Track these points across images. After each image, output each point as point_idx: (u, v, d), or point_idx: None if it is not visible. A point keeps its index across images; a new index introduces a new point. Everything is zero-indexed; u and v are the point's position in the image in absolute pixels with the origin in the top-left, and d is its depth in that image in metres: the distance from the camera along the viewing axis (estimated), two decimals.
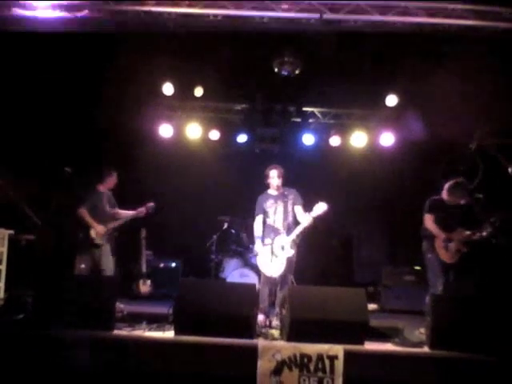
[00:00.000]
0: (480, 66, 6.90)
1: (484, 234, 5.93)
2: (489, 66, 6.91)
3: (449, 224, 6.11)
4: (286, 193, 6.51)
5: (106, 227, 6.89)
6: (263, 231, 6.58)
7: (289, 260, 6.31)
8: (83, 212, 6.84)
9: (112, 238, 7.02)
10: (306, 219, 6.26)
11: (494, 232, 5.89)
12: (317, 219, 6.24)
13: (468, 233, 6.03)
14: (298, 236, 6.34)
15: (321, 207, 6.18)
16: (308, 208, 6.41)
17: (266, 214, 6.60)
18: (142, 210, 7.19)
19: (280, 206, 6.49)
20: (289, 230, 6.36)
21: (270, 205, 6.58)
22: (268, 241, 6.41)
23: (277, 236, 6.38)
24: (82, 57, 7.61)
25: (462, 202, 6.21)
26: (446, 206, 6.24)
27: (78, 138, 8.60)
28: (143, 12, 6.36)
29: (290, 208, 6.47)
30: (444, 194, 6.35)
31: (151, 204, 7.24)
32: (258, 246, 6.51)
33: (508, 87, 7.07)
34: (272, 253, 6.26)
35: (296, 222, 6.46)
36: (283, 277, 6.29)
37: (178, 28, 6.56)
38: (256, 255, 6.56)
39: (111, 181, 7.15)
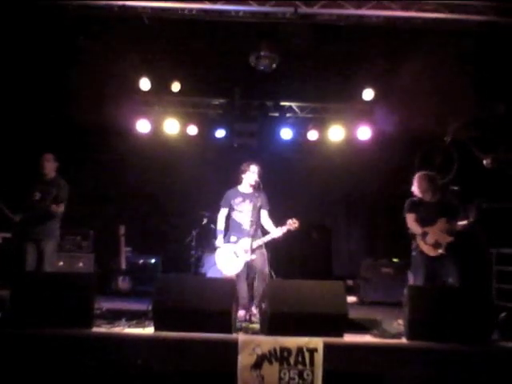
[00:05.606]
0: (455, 60, 6.97)
1: (471, 219, 5.86)
2: (463, 59, 6.98)
3: (430, 218, 6.04)
4: (256, 194, 6.51)
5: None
6: (229, 226, 6.59)
7: (261, 253, 6.34)
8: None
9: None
10: (277, 232, 6.33)
11: (480, 215, 5.85)
12: (286, 232, 6.34)
13: (460, 223, 5.93)
14: (264, 243, 6.38)
15: (294, 224, 6.28)
16: (279, 212, 6.61)
17: (232, 209, 6.58)
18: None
19: (248, 205, 6.49)
20: (254, 232, 6.32)
21: (238, 202, 6.57)
22: (233, 239, 6.44)
23: (243, 237, 6.36)
24: (57, 52, 7.52)
25: (431, 196, 6.16)
26: (424, 202, 6.16)
27: (54, 135, 8.49)
28: (117, 6, 6.31)
29: (257, 209, 6.46)
30: (413, 187, 6.25)
31: None
32: (219, 241, 6.52)
33: (481, 80, 7.16)
34: (234, 253, 6.33)
35: (260, 225, 6.52)
36: (261, 271, 6.30)
37: (152, 22, 6.53)
38: (216, 248, 6.54)
39: (40, 165, 6.57)
